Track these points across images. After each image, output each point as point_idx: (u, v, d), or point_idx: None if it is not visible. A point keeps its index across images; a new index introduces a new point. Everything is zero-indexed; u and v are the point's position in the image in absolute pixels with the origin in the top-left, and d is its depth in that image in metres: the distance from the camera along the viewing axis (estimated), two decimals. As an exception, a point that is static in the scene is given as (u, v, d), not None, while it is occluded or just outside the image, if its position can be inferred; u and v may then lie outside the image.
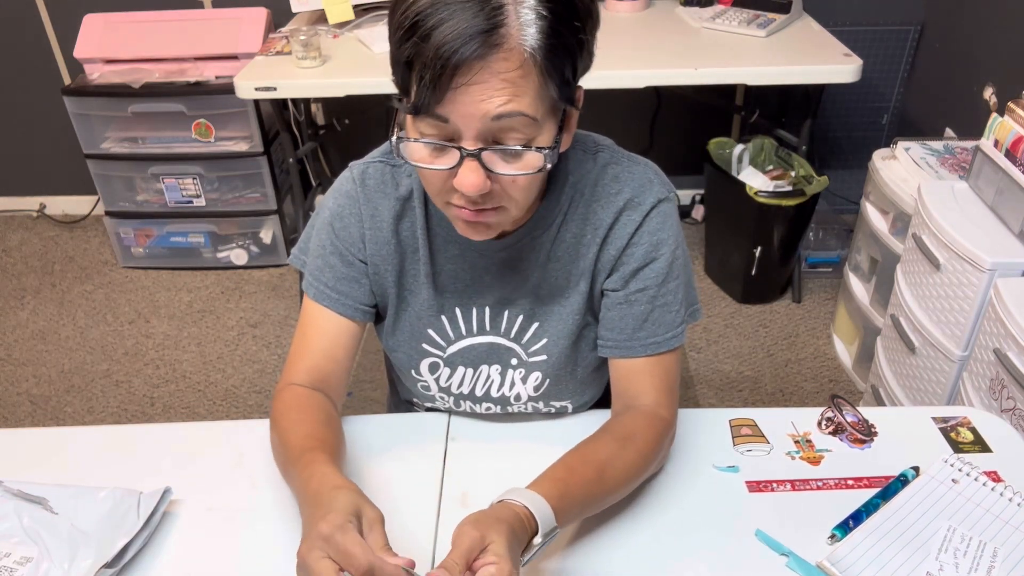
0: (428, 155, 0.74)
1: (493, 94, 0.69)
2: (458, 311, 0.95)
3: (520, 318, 0.95)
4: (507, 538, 0.69)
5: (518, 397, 1.00)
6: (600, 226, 0.90)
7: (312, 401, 0.91)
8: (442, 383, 1.00)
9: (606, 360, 0.96)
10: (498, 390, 0.99)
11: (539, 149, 0.73)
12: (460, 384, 1.00)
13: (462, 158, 0.72)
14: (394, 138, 0.76)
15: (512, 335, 0.96)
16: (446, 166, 0.73)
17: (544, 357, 0.96)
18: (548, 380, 0.98)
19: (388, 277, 0.94)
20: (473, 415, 1.04)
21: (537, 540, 0.74)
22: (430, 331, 0.96)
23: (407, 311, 0.96)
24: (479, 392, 1.00)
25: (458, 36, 0.66)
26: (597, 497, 0.83)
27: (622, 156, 0.92)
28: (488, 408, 1.02)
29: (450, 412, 1.04)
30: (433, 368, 0.99)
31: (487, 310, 0.95)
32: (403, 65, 0.71)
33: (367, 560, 0.65)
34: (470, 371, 0.99)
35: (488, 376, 0.99)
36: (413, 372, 1.00)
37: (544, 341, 0.95)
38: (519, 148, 0.72)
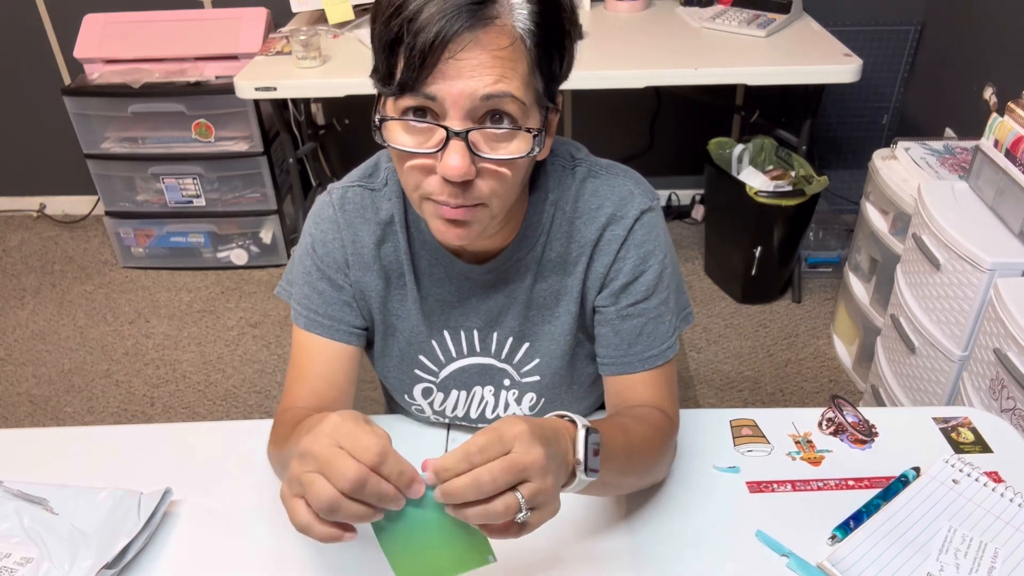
0: (411, 140, 0.71)
1: (483, 71, 0.67)
2: (447, 335, 0.93)
3: (510, 340, 0.93)
4: (529, 423, 0.61)
5: None
6: (585, 243, 0.87)
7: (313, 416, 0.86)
8: (436, 407, 0.99)
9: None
10: (493, 411, 0.98)
11: (528, 130, 0.71)
12: (455, 407, 0.98)
13: (448, 140, 0.68)
14: (376, 118, 0.72)
15: (503, 356, 0.94)
16: (430, 149, 0.70)
17: (537, 377, 0.95)
18: (543, 400, 0.97)
19: (373, 303, 0.92)
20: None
21: (580, 435, 0.67)
22: (421, 357, 0.95)
23: (395, 337, 0.94)
24: (474, 414, 0.99)
25: (449, 7, 0.65)
26: (623, 447, 0.77)
27: (600, 167, 0.88)
28: None
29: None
30: (426, 393, 0.98)
31: (475, 333, 0.93)
32: (388, 46, 0.69)
33: (381, 445, 0.58)
34: (463, 393, 0.97)
35: (482, 398, 0.97)
36: (406, 397, 0.99)
37: (536, 361, 0.94)
38: (508, 127, 0.70)
